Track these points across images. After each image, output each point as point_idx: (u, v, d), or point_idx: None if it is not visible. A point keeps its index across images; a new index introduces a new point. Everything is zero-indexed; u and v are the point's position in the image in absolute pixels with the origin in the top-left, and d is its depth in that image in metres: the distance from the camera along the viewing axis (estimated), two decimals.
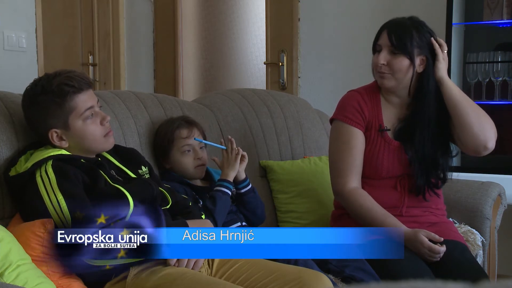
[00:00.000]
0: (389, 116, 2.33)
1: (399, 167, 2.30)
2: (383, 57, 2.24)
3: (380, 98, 2.34)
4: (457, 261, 2.16)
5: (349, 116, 2.31)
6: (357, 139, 2.30)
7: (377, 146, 2.31)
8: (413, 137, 2.27)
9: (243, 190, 2.43)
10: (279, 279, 1.79)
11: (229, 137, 2.39)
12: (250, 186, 2.44)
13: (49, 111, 1.90)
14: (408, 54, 2.22)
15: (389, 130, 2.32)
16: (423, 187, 2.28)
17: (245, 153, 2.42)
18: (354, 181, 2.29)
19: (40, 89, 1.90)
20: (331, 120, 2.41)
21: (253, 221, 2.45)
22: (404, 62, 2.23)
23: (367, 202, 2.25)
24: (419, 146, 2.26)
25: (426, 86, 2.26)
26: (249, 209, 2.43)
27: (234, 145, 2.35)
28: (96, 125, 1.94)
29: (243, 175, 2.43)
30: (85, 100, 1.92)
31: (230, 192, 2.30)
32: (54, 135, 1.91)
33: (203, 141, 2.38)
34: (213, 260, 1.95)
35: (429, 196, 2.31)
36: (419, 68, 2.25)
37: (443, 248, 2.14)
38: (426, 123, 2.25)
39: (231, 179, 2.31)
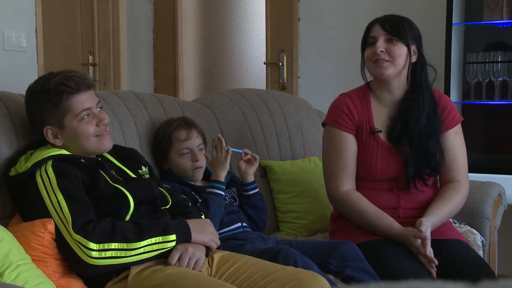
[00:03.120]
0: (380, 116, 2.32)
1: (393, 169, 2.29)
2: (381, 45, 2.23)
3: (370, 98, 2.34)
4: (463, 260, 2.16)
5: (338, 120, 2.31)
6: (348, 143, 2.30)
7: (369, 149, 2.30)
8: (406, 130, 2.26)
9: (251, 192, 2.43)
10: (277, 280, 1.80)
11: (219, 135, 2.38)
12: (257, 189, 2.45)
13: (45, 110, 1.90)
14: (405, 40, 2.23)
15: (380, 131, 2.31)
16: (413, 177, 2.26)
17: (256, 156, 2.43)
18: (346, 184, 2.29)
19: (39, 87, 1.92)
20: (323, 125, 2.41)
21: (257, 224, 2.45)
22: (402, 48, 2.24)
23: (360, 204, 2.25)
24: (414, 137, 2.25)
25: (419, 76, 2.27)
26: (256, 209, 2.43)
27: (224, 144, 2.34)
28: (90, 125, 1.93)
29: (252, 178, 2.44)
30: (82, 101, 1.91)
31: (222, 193, 2.29)
32: (49, 132, 1.92)
33: (236, 149, 2.38)
34: (212, 260, 1.95)
35: (420, 186, 2.29)
36: (413, 58, 2.26)
37: (426, 235, 2.13)
38: (421, 113, 2.25)
39: (222, 179, 2.31)
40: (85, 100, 1.92)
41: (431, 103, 2.29)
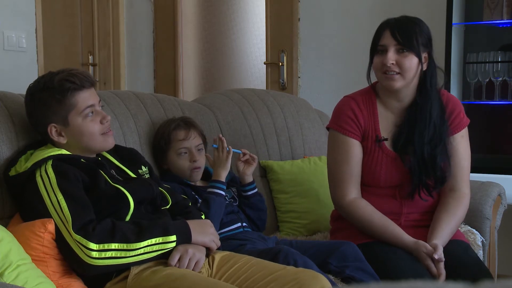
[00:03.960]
0: (386, 123, 2.28)
1: (398, 177, 2.27)
2: (392, 57, 2.16)
3: (377, 104, 2.29)
4: (461, 260, 2.16)
5: (344, 126, 2.26)
6: (354, 149, 2.26)
7: (374, 157, 2.26)
8: (412, 139, 2.22)
9: (249, 193, 2.43)
10: (278, 280, 1.79)
11: (220, 135, 2.37)
12: (256, 190, 2.45)
13: (49, 107, 1.90)
14: (416, 51, 2.16)
15: (386, 139, 2.27)
16: (418, 186, 2.24)
17: (255, 156, 2.42)
18: (352, 192, 2.26)
19: (42, 85, 1.92)
20: (327, 128, 2.38)
21: (257, 225, 2.45)
22: (413, 60, 2.17)
23: (366, 214, 2.23)
24: (418, 146, 2.21)
25: (429, 83, 2.21)
26: (255, 210, 2.43)
27: (225, 144, 2.33)
28: (95, 123, 1.94)
29: (250, 178, 2.44)
30: (86, 97, 1.92)
31: (223, 193, 2.29)
32: (53, 130, 1.91)
33: (234, 150, 2.36)
34: (213, 260, 1.95)
35: (424, 195, 2.26)
36: (423, 66, 2.20)
37: (440, 266, 2.12)
38: (428, 122, 2.21)
39: (223, 179, 2.30)
40: (88, 97, 1.93)
41: (439, 110, 2.23)
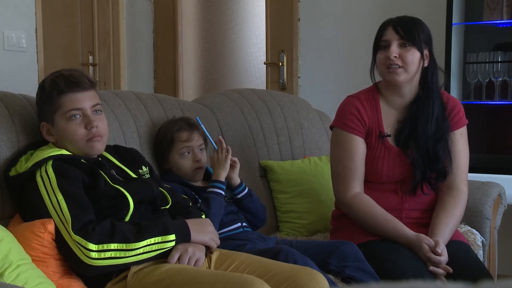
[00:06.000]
0: (389, 120, 2.30)
1: (399, 172, 2.28)
2: (395, 50, 2.20)
3: (380, 102, 2.32)
4: (461, 261, 2.16)
5: (348, 124, 2.29)
6: (358, 146, 2.28)
7: (377, 152, 2.28)
8: (415, 134, 2.25)
9: (239, 196, 2.40)
10: (275, 278, 1.80)
11: (220, 137, 2.38)
12: (246, 190, 2.42)
13: (42, 105, 1.95)
14: (418, 46, 2.20)
15: (389, 136, 2.29)
16: (420, 181, 2.26)
17: (235, 159, 2.40)
18: (355, 187, 2.28)
19: (43, 81, 1.97)
20: (331, 128, 2.40)
21: (254, 223, 2.44)
22: (416, 54, 2.21)
23: (369, 208, 2.24)
24: (422, 140, 2.24)
25: (430, 80, 2.25)
26: (249, 212, 2.42)
27: (224, 145, 2.33)
28: (79, 127, 1.91)
29: (237, 180, 2.41)
30: (73, 100, 1.91)
31: (223, 192, 2.28)
32: (44, 128, 1.95)
33: (204, 129, 2.37)
34: (210, 259, 1.95)
35: (427, 190, 2.28)
36: (425, 62, 2.24)
37: (443, 258, 2.12)
38: (431, 117, 2.24)
39: (222, 179, 2.30)
40: (76, 100, 1.91)
41: (440, 106, 2.27)
